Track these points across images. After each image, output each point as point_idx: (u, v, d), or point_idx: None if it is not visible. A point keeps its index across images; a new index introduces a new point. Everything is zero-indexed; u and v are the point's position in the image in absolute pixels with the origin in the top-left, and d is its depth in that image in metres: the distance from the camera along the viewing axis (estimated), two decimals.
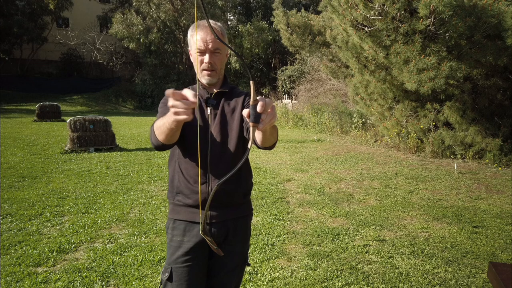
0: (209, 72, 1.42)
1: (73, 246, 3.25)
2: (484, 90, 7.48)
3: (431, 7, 6.14)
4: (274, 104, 1.04)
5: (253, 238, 3.47)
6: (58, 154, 7.85)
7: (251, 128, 1.01)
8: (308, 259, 3.05)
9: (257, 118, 0.99)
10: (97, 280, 2.65)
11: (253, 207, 4.81)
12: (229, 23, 26.35)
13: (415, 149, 8.23)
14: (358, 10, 7.10)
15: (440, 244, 3.38)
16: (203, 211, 1.34)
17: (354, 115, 11.39)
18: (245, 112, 1.00)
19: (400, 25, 6.78)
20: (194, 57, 1.43)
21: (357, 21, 7.48)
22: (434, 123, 7.91)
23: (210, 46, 1.38)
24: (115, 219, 3.95)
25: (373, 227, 3.80)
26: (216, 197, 1.39)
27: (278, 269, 2.88)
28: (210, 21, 1.41)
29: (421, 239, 3.50)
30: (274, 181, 5.77)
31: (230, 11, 26.60)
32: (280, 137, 11.30)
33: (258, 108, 0.97)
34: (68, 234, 3.51)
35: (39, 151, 8.13)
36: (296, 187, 5.48)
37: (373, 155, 8.23)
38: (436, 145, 7.73)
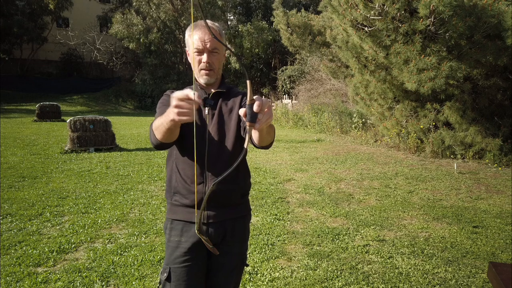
0: (207, 72, 1.42)
1: (73, 246, 3.25)
2: (484, 90, 7.48)
3: (431, 7, 6.14)
4: (271, 103, 1.04)
5: (253, 238, 3.47)
6: (58, 154, 7.85)
7: (247, 128, 1.02)
8: (308, 259, 3.05)
9: (253, 117, 0.99)
10: (97, 280, 2.65)
11: (253, 207, 4.78)
12: (229, 23, 26.35)
13: (415, 149, 8.23)
14: (358, 10, 7.10)
15: (440, 244, 3.38)
16: (199, 210, 1.34)
17: (354, 115, 11.39)
18: (242, 111, 1.00)
19: (400, 25, 6.78)
20: (192, 57, 1.43)
21: (357, 21, 7.49)
22: (434, 123, 7.92)
23: (208, 46, 1.38)
24: (115, 219, 3.95)
25: (373, 227, 3.80)
26: (214, 197, 1.38)
27: (278, 269, 2.88)
28: (208, 21, 1.41)
29: (421, 239, 3.50)
30: (274, 181, 5.77)
31: (230, 11, 26.61)
32: (280, 137, 11.30)
33: (255, 108, 0.97)
34: (68, 234, 3.51)
35: (39, 151, 8.13)
36: (296, 187, 5.47)
37: (373, 155, 8.23)
38: (436, 145, 7.73)
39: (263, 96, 1.04)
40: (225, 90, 1.50)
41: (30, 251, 3.12)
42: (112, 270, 2.81)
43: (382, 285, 2.65)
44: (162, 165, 6.85)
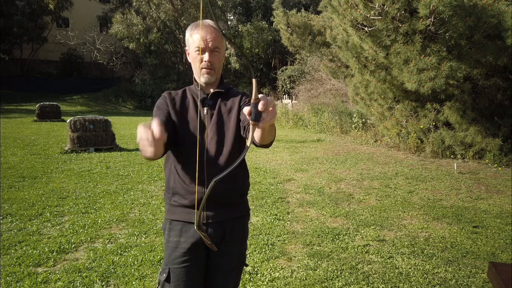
0: (208, 71, 1.42)
1: (73, 246, 3.25)
2: (484, 90, 7.48)
3: (431, 7, 6.14)
4: (275, 103, 1.04)
5: (253, 238, 3.47)
6: (58, 154, 7.85)
7: (251, 127, 1.01)
8: (308, 259, 3.05)
9: (257, 116, 0.99)
10: (97, 280, 2.65)
11: (253, 207, 4.78)
12: (229, 23, 26.34)
13: (415, 149, 8.23)
14: (358, 10, 7.10)
15: (440, 244, 3.38)
16: (199, 205, 1.33)
17: (354, 115, 11.39)
18: (246, 110, 1.00)
19: (400, 25, 6.78)
20: (193, 56, 1.43)
21: (357, 21, 7.49)
22: (434, 123, 7.92)
23: (210, 45, 1.38)
24: (115, 219, 3.95)
25: (373, 227, 3.80)
26: (213, 197, 1.38)
27: (278, 269, 2.88)
28: (210, 21, 1.42)
29: (421, 239, 3.50)
30: (274, 181, 5.77)
31: (230, 11, 26.60)
32: (280, 137, 11.30)
33: (260, 107, 0.97)
34: (68, 234, 3.51)
35: (39, 151, 8.13)
36: (296, 187, 5.47)
37: (373, 155, 8.23)
38: (436, 145, 7.73)
39: (265, 95, 1.03)
40: (224, 90, 1.49)
41: (30, 251, 3.12)
42: (112, 270, 2.81)
43: (382, 285, 2.65)
44: (162, 165, 6.83)
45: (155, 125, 1.05)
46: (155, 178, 5.86)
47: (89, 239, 3.41)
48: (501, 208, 4.43)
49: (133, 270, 2.82)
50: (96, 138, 8.37)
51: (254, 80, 0.99)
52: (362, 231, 3.69)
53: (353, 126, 11.36)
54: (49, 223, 3.81)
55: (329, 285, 2.65)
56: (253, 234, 3.56)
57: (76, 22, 28.84)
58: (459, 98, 7.35)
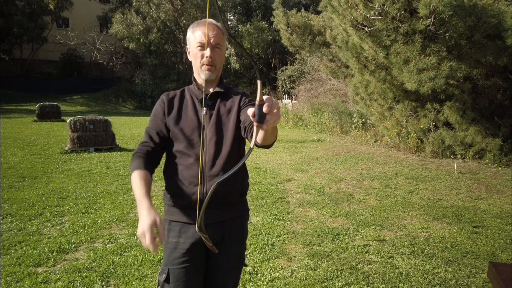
0: (209, 67, 1.41)
1: (73, 246, 3.25)
2: (484, 90, 7.48)
3: (431, 7, 6.14)
4: (279, 105, 1.04)
5: (253, 238, 3.47)
6: (58, 154, 7.85)
7: (254, 128, 1.01)
8: (308, 259, 3.05)
9: (262, 118, 0.98)
10: (97, 280, 2.65)
11: (253, 207, 4.78)
12: (229, 23, 26.34)
13: (415, 149, 8.23)
14: (358, 10, 7.10)
15: (440, 244, 3.38)
16: (199, 206, 1.34)
17: (354, 115, 11.40)
18: (250, 111, 0.99)
19: (400, 25, 6.78)
20: (194, 52, 1.43)
21: (357, 21, 7.49)
22: (434, 123, 7.92)
23: (212, 41, 1.39)
24: (115, 219, 3.95)
25: (373, 227, 3.80)
26: (212, 198, 1.38)
27: (278, 269, 2.88)
28: (211, 20, 1.42)
29: (421, 239, 3.50)
30: (274, 181, 5.77)
31: (230, 11, 26.60)
32: (280, 137, 11.30)
33: (264, 109, 0.96)
34: (68, 234, 3.51)
35: (39, 151, 8.13)
36: (296, 187, 5.47)
37: (373, 155, 8.23)
38: (436, 145, 7.73)
39: (270, 96, 1.03)
40: (224, 90, 1.49)
41: (30, 251, 3.12)
42: (112, 270, 2.81)
43: (382, 285, 2.65)
44: (162, 164, 6.85)
45: (152, 247, 1.11)
46: (155, 178, 5.86)
47: (89, 239, 3.41)
48: (501, 208, 4.43)
49: (133, 270, 2.82)
50: (96, 138, 8.37)
51: (259, 82, 0.98)
52: (362, 231, 3.69)
53: (353, 126, 11.36)
54: (49, 223, 3.81)
55: (329, 285, 2.65)
56: (253, 234, 3.56)
57: (76, 22, 28.84)
58: (459, 98, 7.35)
